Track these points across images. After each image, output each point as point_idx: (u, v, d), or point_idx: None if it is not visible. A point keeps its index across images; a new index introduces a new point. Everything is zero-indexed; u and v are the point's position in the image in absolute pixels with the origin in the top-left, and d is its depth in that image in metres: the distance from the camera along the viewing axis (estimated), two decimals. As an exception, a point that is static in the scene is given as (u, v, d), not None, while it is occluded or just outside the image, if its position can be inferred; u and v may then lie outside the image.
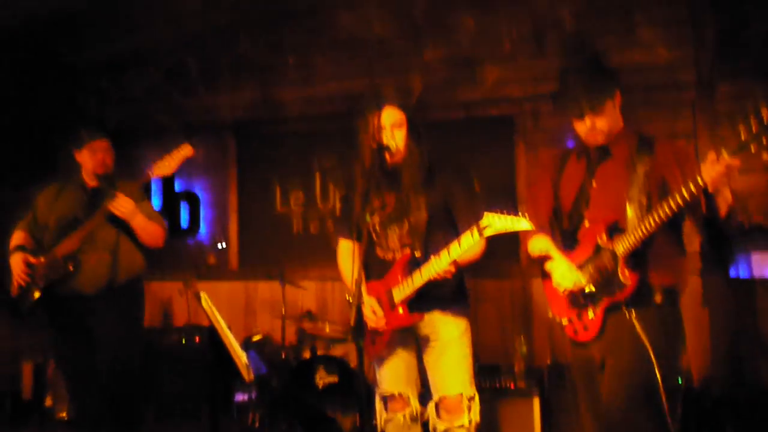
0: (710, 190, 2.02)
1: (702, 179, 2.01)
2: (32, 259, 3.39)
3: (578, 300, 2.40)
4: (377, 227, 2.78)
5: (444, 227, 2.74)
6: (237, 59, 5.44)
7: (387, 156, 2.65)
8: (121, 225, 3.38)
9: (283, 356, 4.43)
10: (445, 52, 4.95)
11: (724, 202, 2.10)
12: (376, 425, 2.93)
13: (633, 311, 2.28)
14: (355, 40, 5.12)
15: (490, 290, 4.77)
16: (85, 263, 3.35)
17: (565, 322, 2.48)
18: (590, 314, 2.37)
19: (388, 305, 2.72)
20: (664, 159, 2.32)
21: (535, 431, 3.71)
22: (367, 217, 2.55)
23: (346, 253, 2.94)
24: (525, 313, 4.77)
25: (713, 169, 1.99)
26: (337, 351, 4.18)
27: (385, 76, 5.04)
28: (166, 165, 3.33)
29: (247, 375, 2.37)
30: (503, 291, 4.81)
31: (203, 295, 2.77)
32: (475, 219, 2.45)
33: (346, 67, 5.18)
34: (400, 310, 2.70)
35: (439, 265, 2.55)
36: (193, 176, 5.62)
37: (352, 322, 2.24)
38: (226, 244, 5.43)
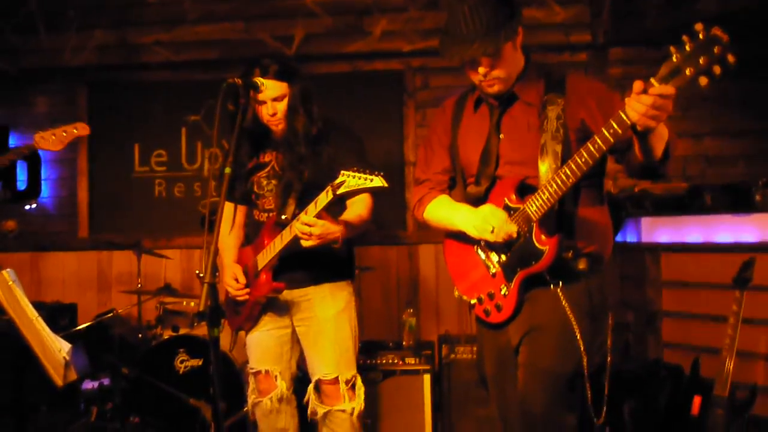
0: (639, 127, 1.63)
1: (627, 115, 1.63)
2: None
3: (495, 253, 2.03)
4: (255, 188, 2.61)
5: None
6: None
7: (270, 126, 2.53)
8: None
9: (140, 337, 3.85)
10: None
11: (660, 140, 1.71)
12: (247, 411, 2.75)
13: (560, 285, 1.94)
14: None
15: (374, 258, 4.42)
16: None
17: (473, 301, 2.09)
18: (503, 290, 2.00)
19: (253, 272, 2.52)
20: (579, 98, 1.94)
21: (426, 411, 3.40)
22: (247, 179, 2.58)
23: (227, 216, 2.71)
24: (411, 283, 4.49)
25: (640, 101, 1.58)
26: (203, 330, 3.64)
27: (262, 20, 4.53)
28: (53, 139, 2.91)
29: (62, 377, 1.81)
30: (389, 259, 4.50)
31: (4, 274, 2.12)
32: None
33: (218, 7, 4.57)
34: (263, 277, 2.48)
35: (297, 227, 2.28)
36: (33, 128, 4.76)
37: (201, 305, 1.77)
38: (76, 209, 4.70)
